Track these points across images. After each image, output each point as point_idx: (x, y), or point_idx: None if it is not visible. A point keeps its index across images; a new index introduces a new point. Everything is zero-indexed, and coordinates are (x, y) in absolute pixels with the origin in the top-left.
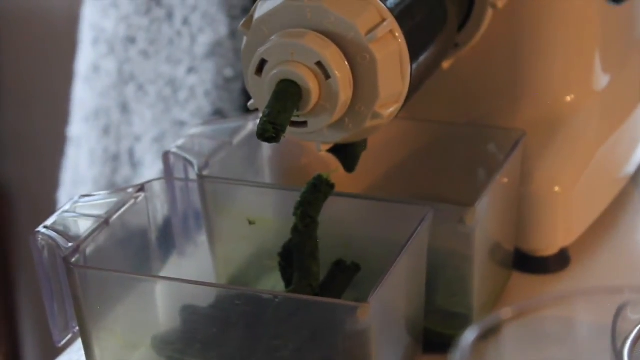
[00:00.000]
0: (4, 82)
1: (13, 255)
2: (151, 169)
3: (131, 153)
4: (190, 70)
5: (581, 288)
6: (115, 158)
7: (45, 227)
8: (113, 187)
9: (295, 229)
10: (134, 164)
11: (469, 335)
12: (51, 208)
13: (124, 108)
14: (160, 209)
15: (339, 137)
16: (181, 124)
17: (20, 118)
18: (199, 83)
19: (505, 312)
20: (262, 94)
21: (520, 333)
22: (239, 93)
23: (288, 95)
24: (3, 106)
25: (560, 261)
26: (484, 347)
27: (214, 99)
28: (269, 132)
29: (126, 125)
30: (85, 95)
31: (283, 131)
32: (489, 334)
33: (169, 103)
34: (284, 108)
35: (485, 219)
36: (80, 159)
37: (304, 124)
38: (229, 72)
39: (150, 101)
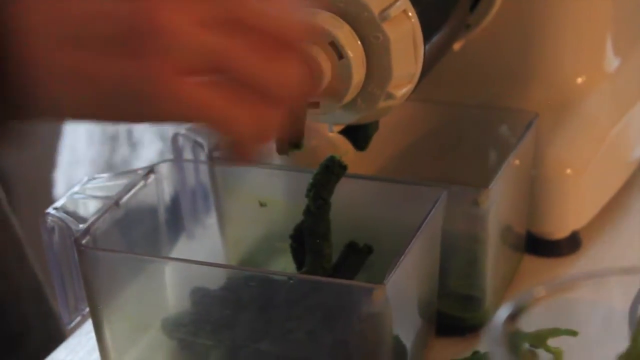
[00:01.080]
0: None
1: None
2: (149, 149)
3: (129, 133)
4: None
5: (615, 267)
6: (113, 138)
7: (55, 208)
8: (111, 168)
9: (307, 211)
10: (133, 144)
11: (502, 313)
12: (48, 190)
13: None
14: (169, 191)
15: (352, 118)
16: None
17: None
18: None
19: (538, 290)
20: None
21: (552, 312)
22: None
23: None
24: None
25: (571, 244)
26: (516, 325)
27: None
28: (284, 152)
29: None
30: None
31: (302, 138)
32: (521, 312)
33: None
34: None
35: (499, 202)
36: (77, 140)
37: (316, 104)
38: None
39: None
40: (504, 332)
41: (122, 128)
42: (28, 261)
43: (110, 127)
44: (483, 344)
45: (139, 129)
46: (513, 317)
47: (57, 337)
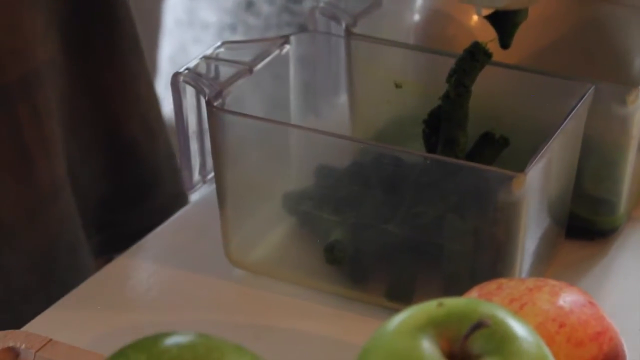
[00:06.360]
0: None
1: None
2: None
3: None
4: None
5: None
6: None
7: (187, 69)
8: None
9: (446, 96)
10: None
11: None
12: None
13: None
14: (302, 63)
15: (503, 2)
16: None
17: None
18: None
19: None
20: None
21: None
22: None
23: None
24: None
25: None
26: None
27: None
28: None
29: None
30: None
31: None
32: None
33: None
34: None
35: None
36: None
37: None
38: None
39: None
40: None
41: None
42: (163, 118)
43: None
44: (612, 249)
45: None
46: None
47: (181, 198)
